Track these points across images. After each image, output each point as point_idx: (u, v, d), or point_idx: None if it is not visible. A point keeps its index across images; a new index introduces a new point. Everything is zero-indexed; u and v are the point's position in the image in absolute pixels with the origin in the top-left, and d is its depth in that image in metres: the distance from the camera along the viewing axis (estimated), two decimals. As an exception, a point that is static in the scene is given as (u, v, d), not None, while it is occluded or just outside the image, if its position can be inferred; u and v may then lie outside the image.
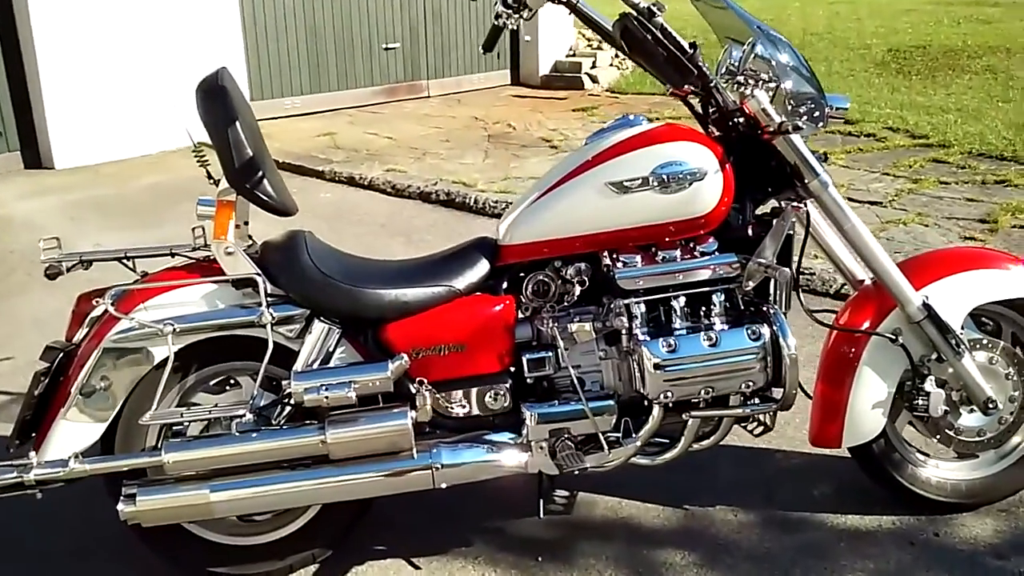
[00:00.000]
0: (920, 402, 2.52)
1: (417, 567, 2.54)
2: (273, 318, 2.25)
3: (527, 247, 2.36)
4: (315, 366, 2.28)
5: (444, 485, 2.29)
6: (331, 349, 2.30)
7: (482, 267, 2.38)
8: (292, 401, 2.23)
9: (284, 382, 2.26)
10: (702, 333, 2.27)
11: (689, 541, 2.61)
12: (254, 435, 2.22)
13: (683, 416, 2.37)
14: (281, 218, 2.38)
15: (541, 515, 2.44)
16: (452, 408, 2.32)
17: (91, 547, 2.65)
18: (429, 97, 9.79)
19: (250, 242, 2.43)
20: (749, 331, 2.27)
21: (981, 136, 6.77)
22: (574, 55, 10.48)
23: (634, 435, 2.37)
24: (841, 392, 2.52)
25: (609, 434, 2.36)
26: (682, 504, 2.77)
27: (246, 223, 2.40)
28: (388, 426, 2.21)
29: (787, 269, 2.25)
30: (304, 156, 7.19)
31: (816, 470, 2.91)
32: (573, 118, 8.46)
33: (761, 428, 2.51)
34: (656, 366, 2.24)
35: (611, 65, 10.33)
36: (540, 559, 2.55)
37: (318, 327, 2.29)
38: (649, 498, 2.79)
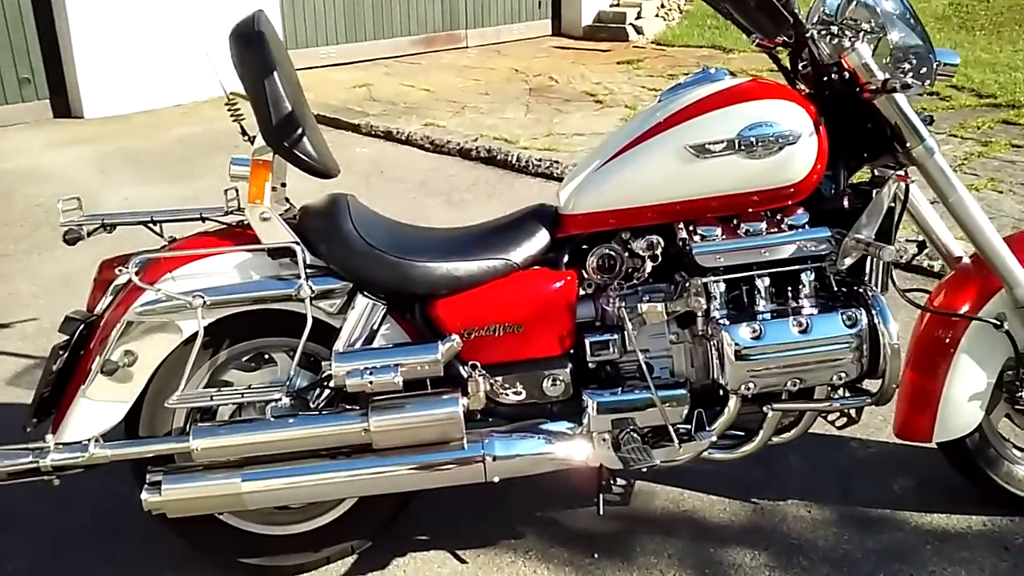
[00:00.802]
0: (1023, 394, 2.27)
1: (463, 560, 2.35)
2: (312, 291, 2.04)
3: (592, 217, 2.12)
4: (358, 346, 2.07)
5: (496, 479, 2.08)
6: (375, 327, 2.09)
7: (541, 238, 2.15)
8: (332, 384, 2.02)
9: (324, 362, 2.05)
10: (791, 318, 2.02)
11: (759, 539, 2.39)
12: (290, 421, 2.02)
13: (763, 409, 2.13)
14: (322, 180, 2.15)
15: (600, 512, 2.22)
16: (506, 394, 2.09)
17: (114, 528, 2.48)
18: (467, 48, 9.49)
19: (287, 206, 2.21)
20: (844, 316, 2.02)
21: (1055, 95, 6.39)
22: (618, 5, 10.10)
23: (708, 428, 2.14)
24: (935, 381, 2.27)
25: (680, 426, 2.13)
26: (749, 497, 2.55)
27: (283, 185, 2.18)
28: (437, 414, 2.00)
29: (891, 247, 1.99)
30: (340, 108, 6.95)
31: (896, 462, 2.67)
32: (618, 71, 8.13)
33: (845, 420, 2.28)
34: (738, 354, 2.00)
35: (657, 16, 9.95)
36: (596, 555, 2.35)
37: (361, 302, 2.08)
38: (713, 489, 2.57)
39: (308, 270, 2.05)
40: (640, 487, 2.58)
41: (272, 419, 2.03)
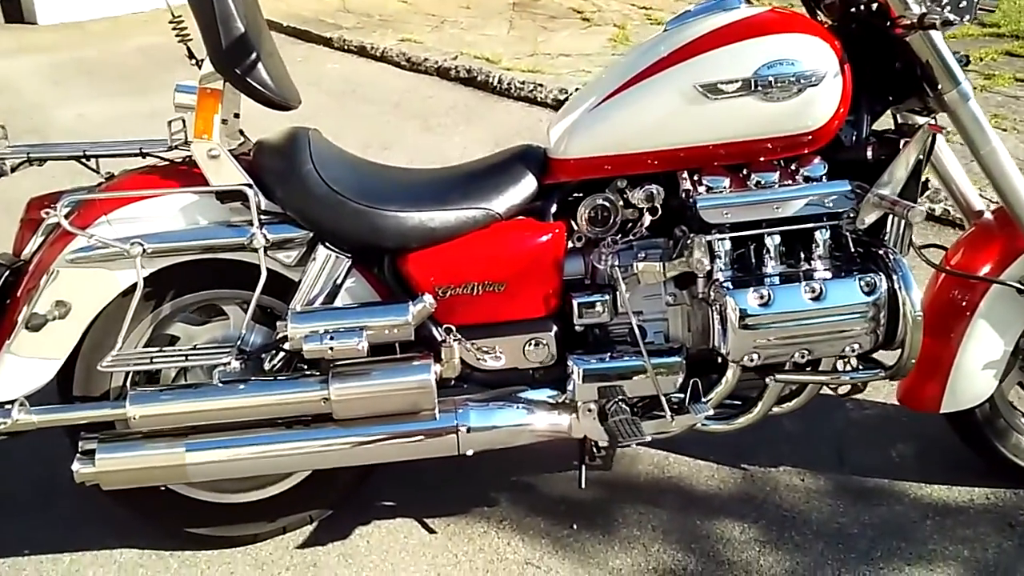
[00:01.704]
0: (1042, 365, 2.10)
1: (432, 530, 2.17)
2: (267, 241, 1.81)
3: (585, 162, 1.88)
4: (318, 303, 1.84)
5: (471, 452, 1.89)
6: (338, 282, 1.86)
7: (527, 185, 1.92)
8: (288, 347, 1.80)
9: (279, 323, 1.83)
10: (803, 283, 1.81)
11: (749, 510, 2.24)
12: (240, 387, 1.81)
13: (765, 379, 1.94)
14: (280, 112, 1.89)
15: (582, 485, 2.04)
16: (484, 360, 1.89)
17: (51, 492, 2.27)
18: (448, -43, 9.01)
19: (241, 141, 1.96)
20: (862, 282, 1.82)
21: (1058, 29, 6.13)
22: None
23: (703, 399, 1.95)
24: (947, 347, 2.09)
25: (672, 396, 1.94)
26: (739, 463, 2.38)
27: (236, 116, 1.93)
28: (407, 382, 1.80)
29: (921, 207, 1.77)
30: (311, 20, 6.58)
31: (895, 428, 2.51)
32: (606, -13, 7.74)
33: (849, 388, 2.10)
34: (743, 322, 1.80)
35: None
36: (575, 526, 2.19)
37: (322, 254, 1.85)
38: (700, 454, 2.40)
39: (262, 216, 1.82)
40: (622, 451, 2.40)
41: (220, 384, 1.81)
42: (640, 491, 2.29)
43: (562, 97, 4.93)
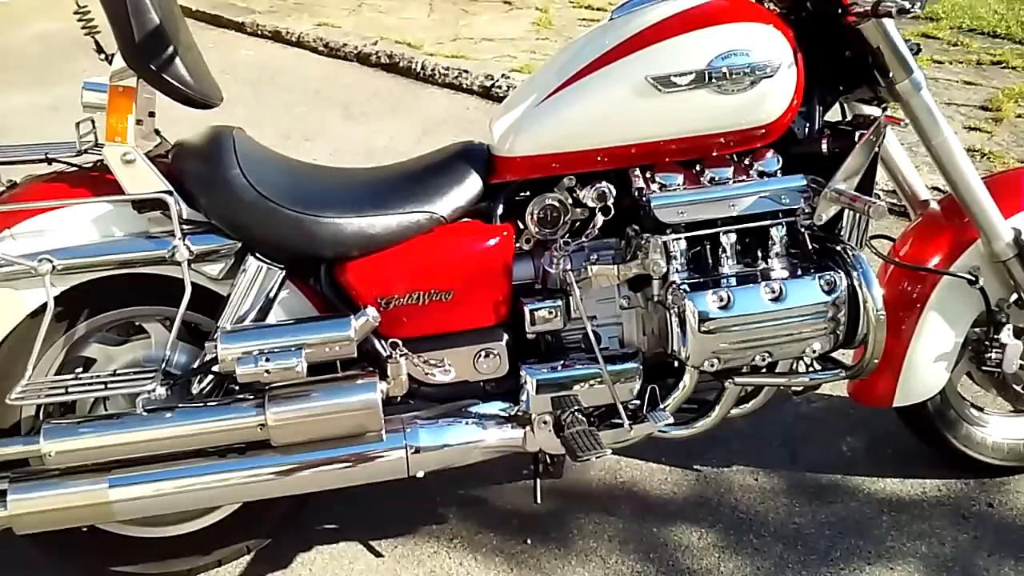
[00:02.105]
0: (993, 355, 2.08)
1: (379, 553, 2.06)
2: (191, 253, 1.66)
3: (533, 160, 1.78)
4: (249, 320, 1.70)
5: (421, 473, 1.78)
6: (271, 296, 1.72)
7: (472, 185, 1.80)
8: (219, 369, 1.65)
9: (208, 343, 1.68)
10: (762, 284, 1.74)
11: (705, 513, 2.18)
12: (167, 415, 1.65)
13: (724, 383, 1.87)
14: (200, 111, 1.74)
15: (537, 500, 1.95)
16: (432, 374, 1.77)
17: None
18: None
19: (157, 142, 1.79)
20: (822, 280, 1.76)
21: (971, 9, 6.23)
22: None
23: (661, 406, 1.87)
24: (899, 341, 2.04)
25: (629, 402, 1.86)
26: (691, 464, 2.32)
27: (151, 115, 1.77)
28: (351, 402, 1.67)
29: (882, 203, 1.72)
30: (221, 4, 6.29)
31: (843, 421, 2.47)
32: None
33: (803, 388, 2.05)
34: (703, 326, 1.72)
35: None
36: (529, 541, 2.10)
37: (253, 266, 1.71)
38: (652, 455, 2.33)
39: (184, 226, 1.66)
40: (575, 457, 2.32)
41: (144, 412, 1.65)
42: (594, 499, 2.21)
43: (488, 84, 4.81)
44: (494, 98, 4.71)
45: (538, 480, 1.95)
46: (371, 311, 1.69)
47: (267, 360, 1.60)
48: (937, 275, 2.03)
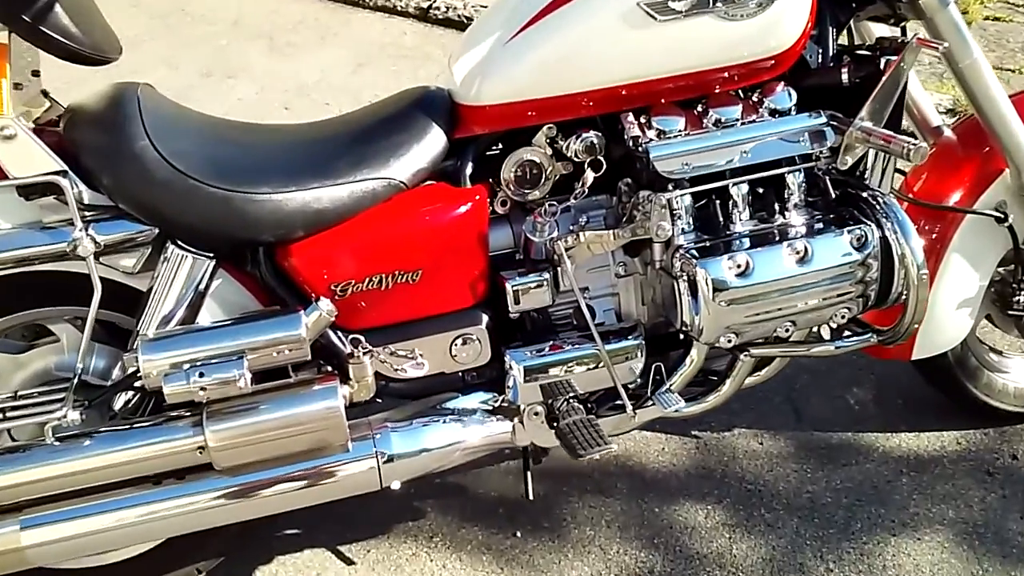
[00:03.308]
0: (1021, 298, 1.88)
1: (350, 561, 1.81)
2: (97, 245, 1.35)
3: (505, 109, 1.49)
4: (176, 321, 1.40)
5: (397, 484, 1.52)
6: (200, 289, 1.42)
7: (434, 141, 1.51)
8: (142, 384, 1.36)
9: (126, 355, 1.38)
10: (784, 244, 1.49)
11: (710, 488, 1.97)
12: (85, 443, 1.36)
13: (739, 355, 1.63)
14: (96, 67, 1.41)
15: (529, 496, 1.71)
16: (402, 368, 1.49)
17: None
18: None
19: (45, 107, 1.46)
20: (852, 235, 1.50)
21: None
22: None
23: (666, 384, 1.62)
24: (918, 288, 1.82)
25: (631, 383, 1.61)
26: (689, 430, 2.11)
27: (35, 75, 1.43)
28: (308, 413, 1.39)
29: (923, 144, 1.46)
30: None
31: (845, 367, 2.27)
32: None
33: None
34: (719, 298, 1.46)
35: None
36: (518, 534, 1.87)
37: (175, 256, 1.41)
38: (646, 423, 2.09)
39: (87, 212, 1.35)
40: (561, 432, 2.08)
41: (56, 442, 1.36)
42: (587, 479, 1.99)
43: (424, 5, 4.41)
44: (433, 21, 4.32)
45: (528, 474, 1.71)
46: (324, 303, 1.40)
47: (201, 375, 1.31)
48: (960, 213, 1.80)
